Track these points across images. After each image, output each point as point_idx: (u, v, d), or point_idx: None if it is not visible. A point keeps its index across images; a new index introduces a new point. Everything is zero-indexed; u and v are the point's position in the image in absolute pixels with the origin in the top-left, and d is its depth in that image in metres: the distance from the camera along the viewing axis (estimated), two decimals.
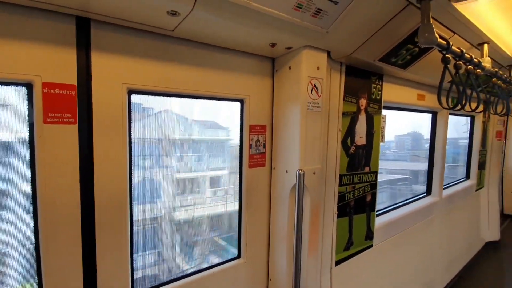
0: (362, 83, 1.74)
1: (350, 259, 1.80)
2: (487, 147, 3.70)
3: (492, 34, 1.79)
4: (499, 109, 2.54)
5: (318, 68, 1.37)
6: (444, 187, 3.00)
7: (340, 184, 1.68)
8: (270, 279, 1.53)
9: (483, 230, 3.89)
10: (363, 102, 1.76)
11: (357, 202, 1.80)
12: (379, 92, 1.88)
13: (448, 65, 1.47)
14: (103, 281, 1.05)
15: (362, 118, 1.77)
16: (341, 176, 1.67)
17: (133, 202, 1.13)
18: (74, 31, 0.95)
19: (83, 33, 0.97)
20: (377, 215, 2.15)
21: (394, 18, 1.34)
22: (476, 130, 3.50)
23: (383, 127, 2.05)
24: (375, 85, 1.83)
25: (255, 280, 1.51)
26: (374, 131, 1.88)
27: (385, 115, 2.07)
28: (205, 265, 1.39)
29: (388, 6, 1.27)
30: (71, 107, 0.96)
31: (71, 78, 0.95)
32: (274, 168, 1.48)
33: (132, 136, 1.10)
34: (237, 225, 1.48)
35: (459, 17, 1.52)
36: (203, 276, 1.32)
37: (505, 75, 2.15)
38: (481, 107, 1.89)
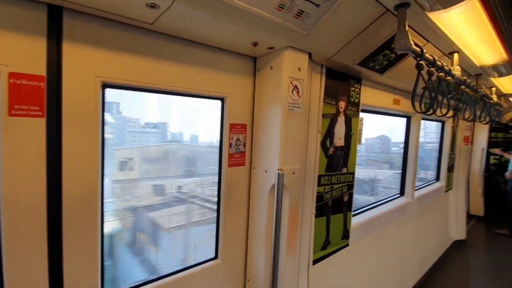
0: (341, 85, 1.78)
1: (327, 258, 1.83)
2: (455, 151, 3.92)
3: (462, 44, 1.90)
4: (466, 115, 2.70)
5: (299, 69, 1.38)
6: (416, 188, 3.15)
7: (319, 185, 1.70)
8: (248, 280, 1.52)
9: (451, 229, 4.12)
10: (342, 104, 1.80)
11: (334, 202, 1.84)
12: (358, 95, 1.93)
13: (422, 72, 1.54)
14: (71, 284, 0.99)
15: (341, 120, 1.81)
16: (319, 177, 1.70)
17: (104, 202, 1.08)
18: (45, 20, 0.90)
19: (55, 22, 0.92)
20: (353, 215, 2.21)
21: (373, 24, 1.39)
22: (446, 135, 3.70)
23: (361, 130, 2.11)
24: (353, 88, 1.88)
25: (232, 280, 1.50)
26: (352, 133, 1.93)
27: (363, 118, 2.13)
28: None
29: (367, 12, 1.31)
30: (39, 100, 0.90)
31: (40, 69, 0.90)
32: (253, 168, 1.48)
33: (105, 132, 1.05)
34: (215, 225, 1.46)
35: (432, 27, 1.60)
36: (179, 277, 1.29)
37: (473, 84, 2.28)
38: (450, 113, 2.00)
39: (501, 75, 2.64)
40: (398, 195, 2.87)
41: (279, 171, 1.30)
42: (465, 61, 2.22)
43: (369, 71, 1.77)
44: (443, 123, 3.68)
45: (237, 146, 1.44)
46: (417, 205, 2.96)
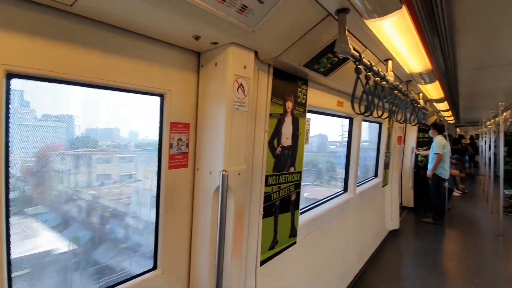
0: (288, 86, 1.80)
1: (275, 257, 1.84)
2: (391, 149, 4.33)
3: (395, 53, 2.07)
4: (399, 117, 2.99)
5: (245, 67, 1.35)
6: (357, 184, 3.38)
7: (266, 185, 1.70)
8: None
9: (387, 220, 4.54)
10: (289, 104, 1.82)
11: (282, 202, 1.85)
12: (304, 96, 1.98)
13: (360, 76, 1.63)
14: None
15: (288, 120, 1.83)
16: (267, 177, 1.69)
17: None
18: None
19: None
20: (300, 213, 2.27)
21: (316, 27, 1.42)
22: (383, 135, 4.06)
23: (308, 130, 2.17)
24: (300, 89, 1.92)
25: None
26: (299, 133, 1.96)
27: (310, 119, 2.20)
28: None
29: (311, 15, 1.33)
30: None
31: None
32: (197, 169, 1.40)
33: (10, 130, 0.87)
34: (153, 233, 1.34)
35: (370, 34, 1.71)
36: None
37: (404, 89, 2.52)
38: (386, 115, 2.17)
39: (426, 82, 2.97)
40: (342, 192, 3.04)
41: (224, 172, 1.24)
42: (398, 68, 2.44)
43: (314, 73, 1.82)
44: (380, 124, 4.03)
45: (179, 146, 1.34)
46: (358, 200, 3.19)
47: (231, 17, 1.07)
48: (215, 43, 1.26)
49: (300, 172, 2.00)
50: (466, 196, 7.78)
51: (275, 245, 1.83)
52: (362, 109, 1.89)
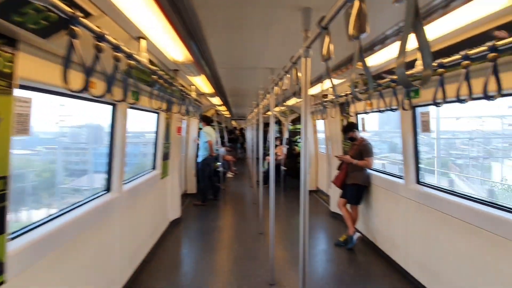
0: None
1: None
2: (170, 140, 4.32)
3: (148, 33, 1.85)
4: (165, 106, 2.89)
5: None
6: (127, 181, 3.02)
7: None
8: None
9: (169, 211, 4.56)
10: None
11: None
12: (10, 64, 1.32)
13: (78, 42, 1.23)
14: None
15: None
16: None
17: None
18: None
19: None
20: (21, 234, 1.59)
21: None
22: (161, 126, 3.94)
23: (26, 114, 1.52)
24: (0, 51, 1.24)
25: None
26: (1, 119, 1.29)
27: (30, 98, 1.55)
28: None
29: None
30: None
31: None
32: None
33: None
34: None
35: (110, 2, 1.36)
36: None
37: (167, 76, 2.42)
38: (146, 101, 1.94)
39: (194, 74, 3.08)
40: (105, 192, 2.56)
41: None
42: (159, 52, 2.29)
43: (19, 28, 1.22)
44: (158, 114, 3.88)
45: None
46: (128, 198, 2.83)
47: None
48: None
49: (3, 178, 1.33)
50: (237, 176, 9.69)
51: None
52: (101, 90, 1.53)
